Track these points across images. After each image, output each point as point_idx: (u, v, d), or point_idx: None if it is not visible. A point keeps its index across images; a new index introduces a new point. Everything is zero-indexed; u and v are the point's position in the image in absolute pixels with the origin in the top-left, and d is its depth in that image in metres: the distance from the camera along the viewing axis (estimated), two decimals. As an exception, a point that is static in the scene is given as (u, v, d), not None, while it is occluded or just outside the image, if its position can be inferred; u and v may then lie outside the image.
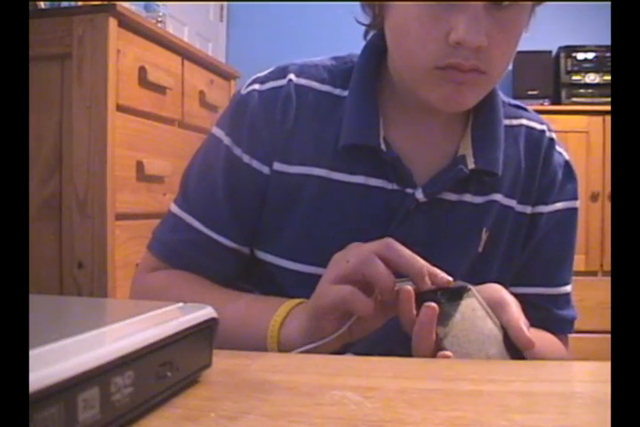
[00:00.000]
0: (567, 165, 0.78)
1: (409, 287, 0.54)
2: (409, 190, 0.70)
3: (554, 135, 0.79)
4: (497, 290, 0.60)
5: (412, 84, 0.67)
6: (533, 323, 0.58)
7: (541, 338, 0.70)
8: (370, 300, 0.54)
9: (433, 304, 0.53)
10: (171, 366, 0.35)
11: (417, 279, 0.54)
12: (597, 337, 2.17)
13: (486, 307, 0.56)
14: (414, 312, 0.54)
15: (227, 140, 0.72)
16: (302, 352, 0.56)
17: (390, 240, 0.56)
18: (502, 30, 0.62)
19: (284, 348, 0.59)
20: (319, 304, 0.56)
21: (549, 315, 0.75)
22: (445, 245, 0.71)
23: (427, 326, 0.53)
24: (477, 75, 0.63)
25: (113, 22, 1.56)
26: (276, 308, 0.62)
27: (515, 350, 0.55)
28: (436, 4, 0.61)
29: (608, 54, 2.75)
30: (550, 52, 2.86)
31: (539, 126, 0.78)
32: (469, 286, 0.57)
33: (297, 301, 0.62)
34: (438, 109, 0.68)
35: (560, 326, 0.77)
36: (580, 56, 2.79)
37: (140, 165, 1.68)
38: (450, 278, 0.55)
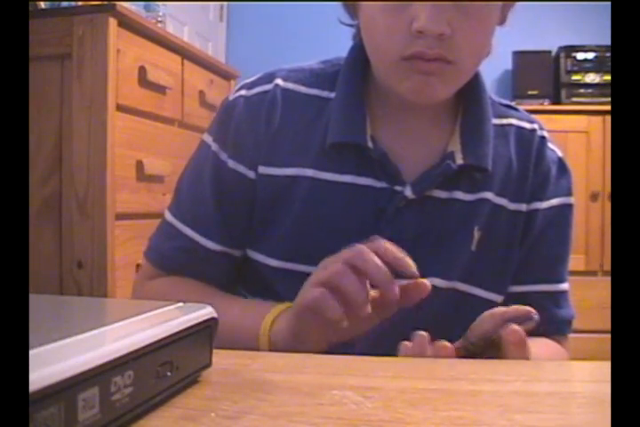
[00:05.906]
0: (560, 161, 0.78)
1: (422, 333, 0.54)
2: (398, 188, 0.69)
3: (546, 134, 0.78)
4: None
5: (384, 77, 0.69)
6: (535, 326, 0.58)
7: (544, 347, 0.71)
8: (338, 305, 0.53)
9: (446, 344, 0.53)
10: (171, 366, 0.35)
11: (382, 287, 0.53)
12: (597, 337, 2.17)
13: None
14: (428, 353, 0.53)
15: (214, 146, 0.73)
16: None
17: (360, 248, 0.55)
18: (467, 19, 0.62)
19: (274, 346, 0.60)
20: (298, 302, 0.57)
21: (550, 316, 0.75)
22: (436, 242, 0.71)
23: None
24: (444, 64, 0.63)
25: (113, 22, 1.56)
26: (270, 309, 0.62)
27: None
28: None
29: (608, 54, 2.75)
30: (550, 52, 2.86)
31: (528, 126, 0.77)
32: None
33: (289, 304, 0.62)
34: (412, 102, 0.68)
35: (560, 327, 0.77)
36: (580, 56, 2.78)
37: (139, 165, 1.69)
38: (424, 281, 0.55)
